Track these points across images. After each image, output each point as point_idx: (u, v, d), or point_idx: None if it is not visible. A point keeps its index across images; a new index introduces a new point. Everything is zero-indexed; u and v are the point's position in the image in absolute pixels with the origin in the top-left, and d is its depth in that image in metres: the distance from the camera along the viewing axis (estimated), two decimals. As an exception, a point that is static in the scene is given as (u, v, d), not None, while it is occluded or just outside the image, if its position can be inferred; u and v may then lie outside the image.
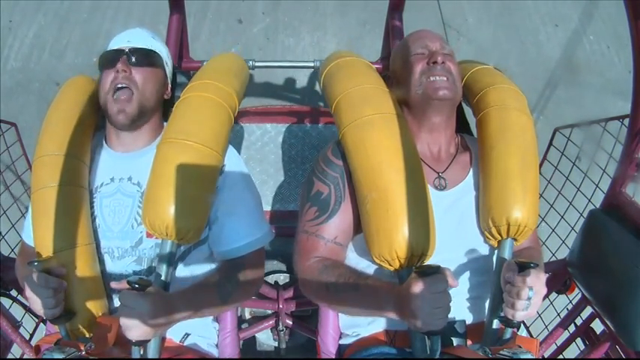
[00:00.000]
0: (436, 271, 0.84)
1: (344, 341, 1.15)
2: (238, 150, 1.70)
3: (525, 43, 2.90)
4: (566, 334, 1.27)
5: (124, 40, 1.10)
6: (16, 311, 1.24)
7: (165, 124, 1.15)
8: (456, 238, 1.04)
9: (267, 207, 1.67)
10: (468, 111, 1.22)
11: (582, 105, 2.63)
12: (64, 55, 2.67)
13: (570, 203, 1.38)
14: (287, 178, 1.74)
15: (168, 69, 1.18)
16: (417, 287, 0.82)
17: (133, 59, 1.08)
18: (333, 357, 1.17)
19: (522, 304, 0.90)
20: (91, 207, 1.05)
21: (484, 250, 1.07)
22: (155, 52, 1.12)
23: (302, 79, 2.63)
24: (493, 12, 3.01)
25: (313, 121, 1.85)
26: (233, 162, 1.10)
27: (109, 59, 1.08)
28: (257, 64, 1.57)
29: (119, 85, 1.05)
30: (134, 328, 0.84)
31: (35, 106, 2.44)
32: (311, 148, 1.79)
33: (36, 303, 0.94)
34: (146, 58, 1.10)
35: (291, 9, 2.92)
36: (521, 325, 1.04)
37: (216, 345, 1.20)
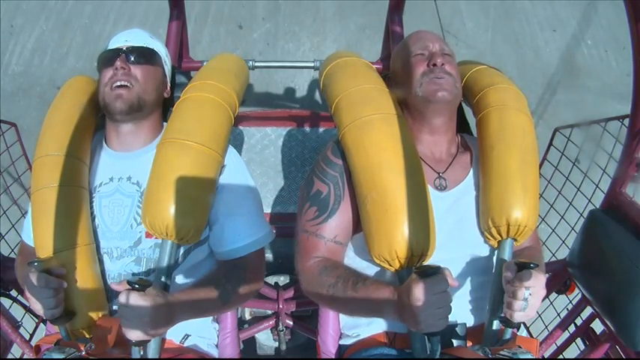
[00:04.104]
0: (436, 271, 0.84)
1: (344, 342, 1.15)
2: (238, 152, 1.72)
3: (523, 47, 2.92)
4: (566, 334, 1.27)
5: (122, 40, 1.11)
6: (16, 311, 1.24)
7: (165, 124, 1.16)
8: (456, 238, 1.03)
9: (267, 209, 1.68)
10: (468, 111, 1.22)
11: (581, 108, 2.64)
12: (66, 60, 2.69)
13: (570, 203, 1.38)
14: (287, 181, 1.75)
15: (167, 68, 1.18)
16: (418, 289, 0.82)
17: (132, 57, 1.08)
18: (333, 357, 1.17)
19: (519, 304, 0.90)
20: (90, 207, 1.05)
21: (484, 250, 1.07)
22: (154, 50, 1.13)
23: (301, 86, 2.65)
24: (491, 17, 3.03)
25: (313, 125, 1.86)
26: (233, 162, 1.10)
27: (108, 58, 1.08)
28: (257, 64, 1.58)
29: (118, 84, 1.05)
30: (134, 329, 0.84)
31: (36, 109, 2.46)
32: (311, 151, 1.80)
33: (36, 303, 0.94)
34: (144, 56, 1.10)
35: (291, 14, 2.95)
36: (522, 325, 1.04)
37: (216, 345, 1.19)
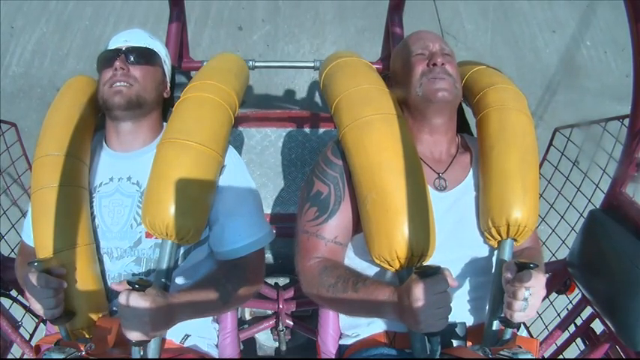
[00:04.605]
0: (436, 271, 0.84)
1: (344, 342, 1.15)
2: (238, 153, 1.72)
3: (523, 49, 2.93)
4: (566, 334, 1.26)
5: (121, 40, 1.11)
6: (16, 311, 1.24)
7: (165, 124, 1.16)
8: (455, 238, 1.03)
9: (267, 210, 1.68)
10: (468, 111, 1.23)
11: (580, 109, 2.65)
12: (66, 62, 2.69)
13: (570, 203, 1.38)
14: (287, 182, 1.75)
15: (167, 68, 1.19)
16: (418, 289, 0.82)
17: (131, 58, 1.08)
18: (333, 357, 1.17)
19: (519, 304, 0.90)
20: (90, 207, 1.05)
21: (484, 250, 1.07)
22: (153, 50, 1.13)
23: (301, 87, 2.65)
24: (490, 19, 3.04)
25: (313, 126, 1.86)
26: (233, 162, 1.10)
27: (107, 58, 1.08)
28: (257, 64, 1.59)
29: (117, 84, 1.05)
30: (134, 329, 0.84)
31: (36, 111, 2.46)
32: (311, 152, 1.80)
33: (36, 303, 0.94)
34: (144, 56, 1.10)
35: (291, 16, 2.95)
36: (522, 325, 1.04)
37: (217, 345, 1.19)
